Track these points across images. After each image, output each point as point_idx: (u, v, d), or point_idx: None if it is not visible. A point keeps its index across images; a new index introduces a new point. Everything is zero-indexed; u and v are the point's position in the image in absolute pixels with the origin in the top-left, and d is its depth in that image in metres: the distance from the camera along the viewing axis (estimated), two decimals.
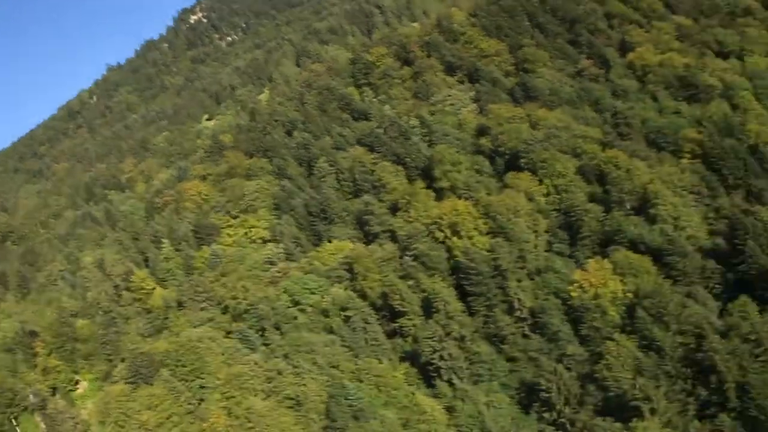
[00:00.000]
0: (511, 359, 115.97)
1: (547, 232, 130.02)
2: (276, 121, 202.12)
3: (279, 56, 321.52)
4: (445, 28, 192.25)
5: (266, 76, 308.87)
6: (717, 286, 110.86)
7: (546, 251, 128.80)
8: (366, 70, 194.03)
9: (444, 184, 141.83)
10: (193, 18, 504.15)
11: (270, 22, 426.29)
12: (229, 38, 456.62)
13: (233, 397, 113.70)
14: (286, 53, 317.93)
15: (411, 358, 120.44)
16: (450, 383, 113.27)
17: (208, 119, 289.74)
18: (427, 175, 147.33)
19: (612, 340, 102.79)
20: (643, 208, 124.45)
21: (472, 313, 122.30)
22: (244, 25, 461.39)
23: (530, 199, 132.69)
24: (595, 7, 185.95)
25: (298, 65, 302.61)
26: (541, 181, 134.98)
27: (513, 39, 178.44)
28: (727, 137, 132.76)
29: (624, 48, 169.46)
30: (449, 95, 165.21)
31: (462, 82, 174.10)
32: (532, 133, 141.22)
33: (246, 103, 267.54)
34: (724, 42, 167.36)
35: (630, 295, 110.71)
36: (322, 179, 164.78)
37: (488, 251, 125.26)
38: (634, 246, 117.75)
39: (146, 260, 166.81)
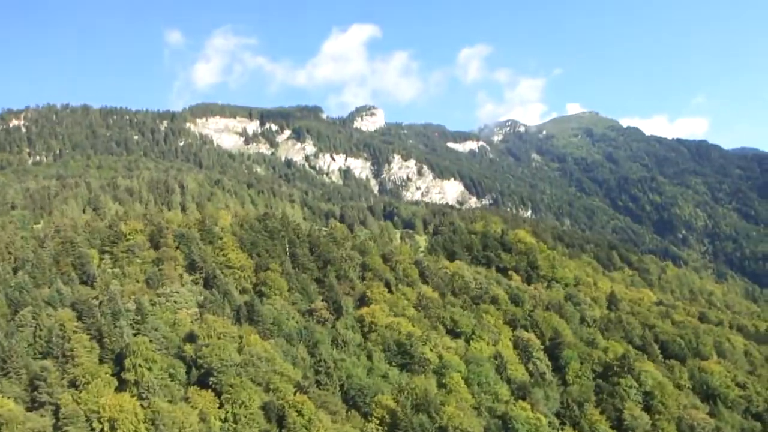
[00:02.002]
0: None
1: None
2: (10, 254, 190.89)
3: (71, 194, 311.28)
4: (206, 227, 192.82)
5: (48, 208, 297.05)
6: None
7: None
8: (115, 238, 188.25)
9: (130, 376, 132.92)
10: (13, 122, 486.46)
11: (83, 158, 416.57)
12: (38, 158, 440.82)
13: None
14: (77, 194, 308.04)
15: None
16: None
17: None
18: (118, 362, 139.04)
19: None
20: None
21: None
22: (57, 152, 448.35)
23: (203, 419, 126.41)
24: (355, 255, 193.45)
25: (84, 210, 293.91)
26: (221, 405, 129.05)
27: (263, 259, 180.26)
28: (421, 412, 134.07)
29: (363, 301, 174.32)
30: (177, 292, 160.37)
31: (196, 283, 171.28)
32: (232, 356, 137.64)
33: (5, 224, 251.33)
34: (459, 323, 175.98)
35: None
36: (20, 329, 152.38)
37: None
38: None
39: None
